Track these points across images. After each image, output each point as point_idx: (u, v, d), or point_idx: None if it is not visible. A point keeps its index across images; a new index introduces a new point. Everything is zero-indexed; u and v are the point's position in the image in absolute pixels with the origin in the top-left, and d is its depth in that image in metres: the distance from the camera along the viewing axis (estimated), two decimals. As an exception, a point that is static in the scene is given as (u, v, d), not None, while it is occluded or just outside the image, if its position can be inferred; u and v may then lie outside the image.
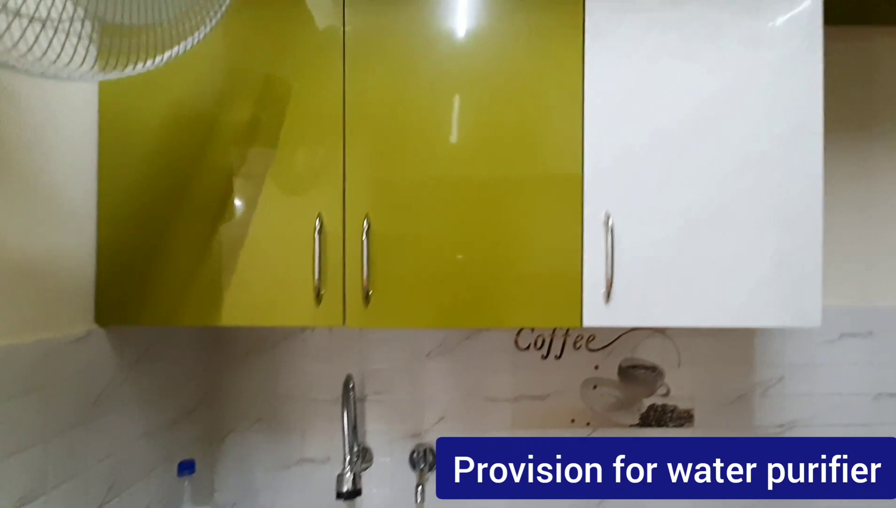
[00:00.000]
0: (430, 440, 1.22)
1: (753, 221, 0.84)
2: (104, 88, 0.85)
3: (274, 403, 1.21)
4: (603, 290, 0.84)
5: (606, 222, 0.84)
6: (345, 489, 0.95)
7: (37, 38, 0.52)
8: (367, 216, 0.83)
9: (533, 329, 1.23)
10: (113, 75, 0.60)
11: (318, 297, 0.84)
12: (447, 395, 1.23)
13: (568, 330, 1.24)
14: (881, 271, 1.25)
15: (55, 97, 0.77)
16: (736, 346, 1.24)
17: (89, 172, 0.84)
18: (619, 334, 1.24)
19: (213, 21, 0.67)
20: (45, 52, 0.53)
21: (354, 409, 1.16)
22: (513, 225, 0.86)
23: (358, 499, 1.01)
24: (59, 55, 0.54)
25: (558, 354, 1.24)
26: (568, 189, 0.85)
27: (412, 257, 0.85)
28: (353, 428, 1.14)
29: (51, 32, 0.56)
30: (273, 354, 1.20)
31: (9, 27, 0.50)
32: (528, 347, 1.24)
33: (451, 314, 0.86)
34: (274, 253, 0.85)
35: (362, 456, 1.19)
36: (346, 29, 0.85)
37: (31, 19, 0.51)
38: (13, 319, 0.69)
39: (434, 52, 0.85)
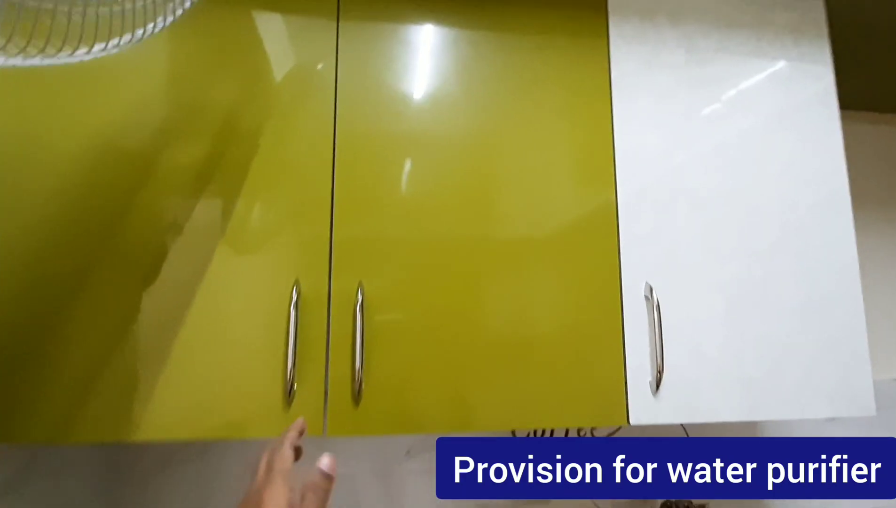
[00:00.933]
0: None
1: (795, 298, 0.75)
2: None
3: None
4: (650, 378, 0.69)
5: (649, 296, 0.70)
6: None
7: None
8: (360, 285, 0.63)
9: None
10: (14, 61, 0.39)
11: (289, 396, 0.60)
12: (434, 505, 0.98)
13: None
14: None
15: None
16: (748, 431, 1.13)
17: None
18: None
19: (168, 20, 0.48)
20: None
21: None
22: (541, 299, 0.70)
23: None
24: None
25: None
26: (604, 257, 0.71)
27: (418, 342, 0.65)
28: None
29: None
30: (201, 463, 0.90)
31: None
32: (526, 437, 1.04)
33: (467, 414, 0.66)
34: (222, 338, 0.62)
35: None
36: (339, 67, 0.70)
37: None
38: None
39: (454, 109, 0.72)
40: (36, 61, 0.40)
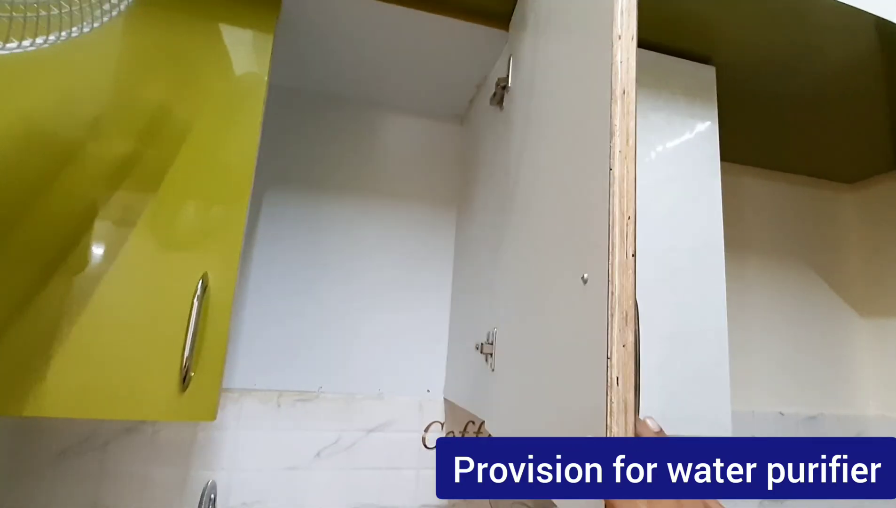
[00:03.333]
0: (308, 569, 0.97)
1: (667, 334, 0.85)
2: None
3: (95, 522, 0.89)
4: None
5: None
6: None
7: None
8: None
9: (443, 425, 1.10)
10: None
11: (185, 381, 0.63)
12: (343, 503, 1.01)
13: (481, 426, 1.12)
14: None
15: None
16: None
17: None
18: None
19: (108, 16, 0.53)
20: None
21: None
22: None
23: None
24: None
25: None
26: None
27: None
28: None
29: None
30: (102, 454, 0.90)
31: None
32: (432, 448, 1.09)
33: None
34: (125, 321, 0.64)
35: None
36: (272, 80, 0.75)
37: None
38: None
39: None
40: None
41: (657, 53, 0.95)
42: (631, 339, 0.44)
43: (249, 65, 0.77)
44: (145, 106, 0.71)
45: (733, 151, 0.97)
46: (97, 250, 0.65)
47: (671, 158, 0.92)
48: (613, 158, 0.45)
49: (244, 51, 0.77)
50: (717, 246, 0.90)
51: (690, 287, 0.87)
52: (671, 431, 0.78)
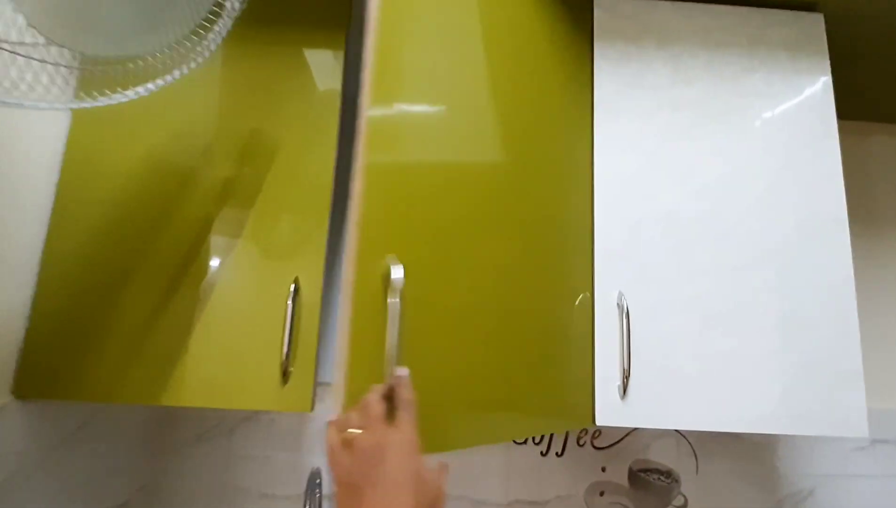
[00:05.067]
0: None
1: (777, 319, 0.75)
2: (75, 126, 0.78)
3: (224, 500, 1.02)
4: (618, 383, 0.72)
5: (620, 304, 0.74)
6: None
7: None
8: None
9: (531, 421, 1.09)
10: (85, 104, 0.53)
11: (285, 376, 0.71)
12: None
13: (571, 423, 1.09)
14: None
15: (19, 128, 0.69)
16: (762, 450, 1.09)
17: (40, 217, 0.74)
18: (629, 430, 1.09)
19: (199, 59, 0.61)
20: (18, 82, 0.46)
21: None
22: (520, 309, 0.75)
23: None
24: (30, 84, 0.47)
25: (560, 451, 1.08)
26: (580, 269, 0.76)
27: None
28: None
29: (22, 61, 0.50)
30: (229, 439, 1.03)
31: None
32: (524, 441, 1.08)
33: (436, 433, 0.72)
34: (236, 322, 0.73)
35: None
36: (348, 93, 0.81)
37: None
38: None
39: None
40: (103, 101, 0.53)
41: (746, 8, 0.85)
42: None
43: (325, 81, 0.83)
44: (242, 131, 0.80)
45: (855, 107, 0.83)
46: (213, 262, 0.75)
47: (776, 123, 0.82)
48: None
49: (320, 68, 0.84)
50: (839, 218, 0.78)
51: (804, 266, 0.77)
52: (791, 431, 0.69)
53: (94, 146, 0.78)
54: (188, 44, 0.59)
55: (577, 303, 0.75)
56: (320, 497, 0.96)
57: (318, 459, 1.03)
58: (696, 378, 0.73)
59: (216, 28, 0.59)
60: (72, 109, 0.78)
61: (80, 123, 0.78)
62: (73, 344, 0.72)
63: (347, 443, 0.42)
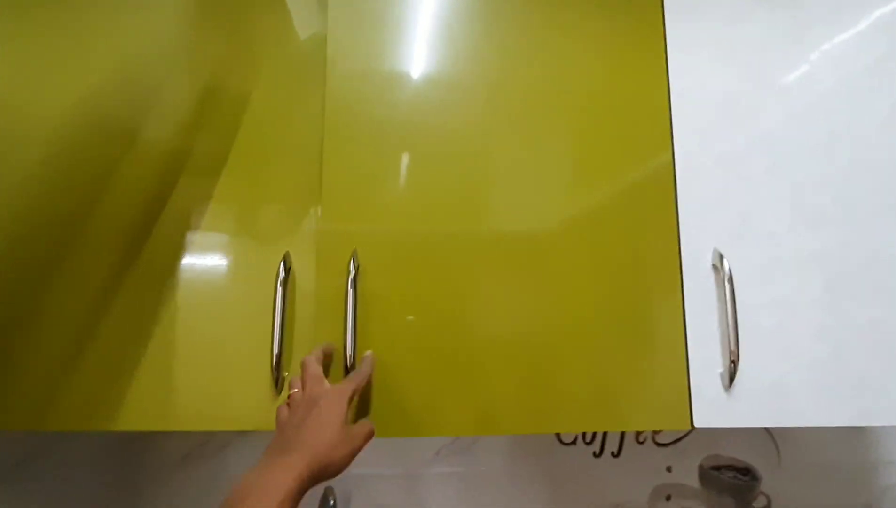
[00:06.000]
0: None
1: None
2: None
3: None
4: (721, 370, 0.54)
5: (719, 266, 0.56)
6: None
7: None
8: (354, 255, 0.54)
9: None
10: None
11: (278, 383, 0.53)
12: (463, 504, 0.88)
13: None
14: None
15: None
16: (853, 437, 0.92)
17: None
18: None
19: None
20: None
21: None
22: (572, 279, 0.57)
23: None
24: None
25: (616, 450, 0.91)
26: (657, 227, 0.58)
27: (422, 332, 0.55)
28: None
29: None
30: (221, 459, 0.86)
31: None
32: (573, 441, 0.91)
33: (486, 416, 0.54)
34: (212, 318, 0.55)
35: None
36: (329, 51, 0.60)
37: None
38: None
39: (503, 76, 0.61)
40: None
41: None
42: None
43: (308, 26, 0.63)
44: (205, 79, 0.61)
45: None
46: (175, 246, 0.57)
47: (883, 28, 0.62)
48: None
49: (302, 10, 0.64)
50: None
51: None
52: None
53: (16, 97, 0.59)
54: None
55: (651, 271, 0.57)
56: (335, 521, 0.80)
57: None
58: (825, 361, 0.55)
59: None
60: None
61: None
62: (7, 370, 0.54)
63: (289, 400, 0.47)
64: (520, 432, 0.57)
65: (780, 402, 0.54)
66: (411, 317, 0.55)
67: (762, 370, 0.54)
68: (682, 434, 0.91)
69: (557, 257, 0.56)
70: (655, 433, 0.92)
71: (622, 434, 0.92)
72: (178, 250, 0.56)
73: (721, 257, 0.55)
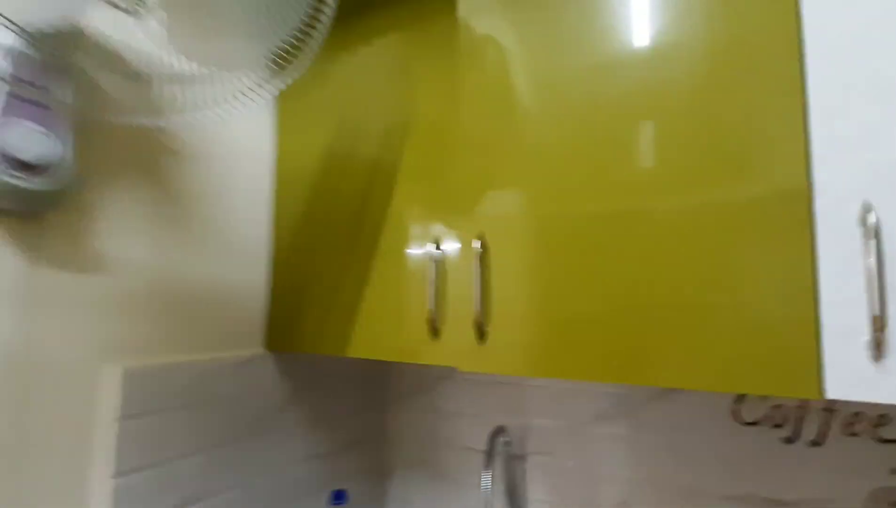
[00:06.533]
0: (608, 529, 0.93)
1: None
2: (281, 136, 0.98)
3: (433, 447, 1.14)
4: (866, 337, 0.48)
5: (865, 220, 0.48)
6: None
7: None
8: (481, 237, 0.70)
9: (766, 397, 0.83)
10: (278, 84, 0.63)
11: (434, 331, 0.73)
12: (629, 473, 0.92)
13: (832, 403, 0.79)
14: None
15: (235, 152, 0.91)
16: None
17: (264, 214, 0.97)
18: (945, 419, 0.72)
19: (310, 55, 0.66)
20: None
21: (511, 467, 0.99)
22: (683, 224, 0.58)
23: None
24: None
25: (815, 438, 0.80)
26: (777, 170, 0.53)
27: (539, 290, 0.66)
28: (511, 490, 0.98)
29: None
30: (431, 396, 1.14)
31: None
32: (755, 422, 0.84)
33: (627, 365, 0.61)
34: (399, 284, 0.80)
35: (521, 529, 0.99)
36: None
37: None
38: (185, 342, 0.81)
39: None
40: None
41: None
42: None
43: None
44: (404, 110, 0.86)
45: None
46: (397, 230, 0.84)
47: None
48: None
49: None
50: None
51: None
52: None
53: (293, 149, 0.97)
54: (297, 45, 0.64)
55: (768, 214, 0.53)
56: (510, 455, 0.98)
57: (506, 418, 1.04)
58: None
59: (318, 28, 0.63)
60: (277, 133, 0.99)
61: (282, 135, 0.98)
62: (300, 308, 0.92)
63: None
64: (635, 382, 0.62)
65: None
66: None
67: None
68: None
69: (683, 212, 0.59)
70: (876, 424, 0.76)
71: (827, 422, 0.79)
72: (386, 231, 0.82)
73: (871, 208, 0.48)
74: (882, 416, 0.76)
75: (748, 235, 0.54)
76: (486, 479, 0.87)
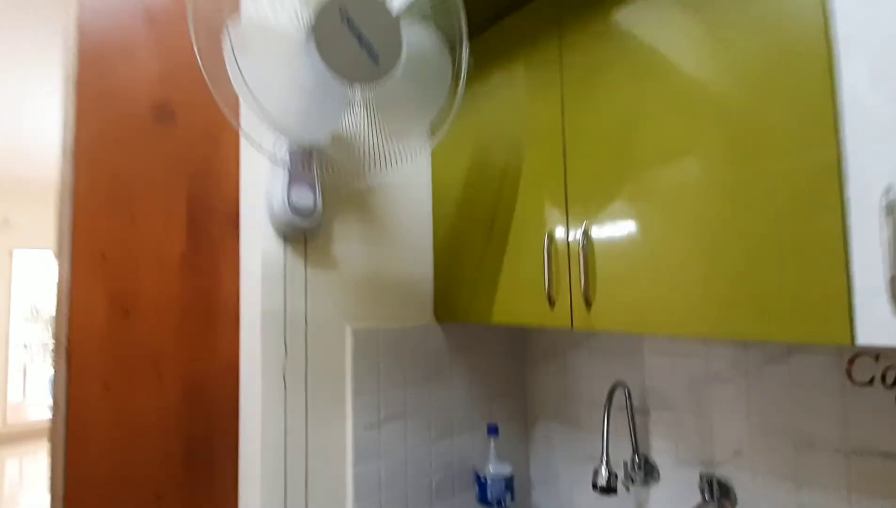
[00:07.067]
0: (722, 472, 1.06)
1: None
2: (434, 164, 1.34)
3: (567, 401, 1.39)
4: (886, 296, 0.59)
5: (885, 200, 0.59)
6: (597, 483, 1.01)
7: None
8: (584, 228, 0.93)
9: (878, 358, 0.88)
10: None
11: (551, 301, 0.99)
12: (744, 427, 1.04)
13: (952, 365, 0.81)
14: None
15: (406, 182, 1.29)
16: None
17: (427, 222, 1.33)
18: None
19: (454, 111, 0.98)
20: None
21: (632, 418, 1.19)
22: (736, 206, 0.74)
23: None
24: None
25: (931, 399, 0.83)
26: (814, 157, 0.66)
27: (623, 262, 0.87)
28: (636, 440, 1.18)
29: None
30: (564, 359, 1.39)
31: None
32: (870, 381, 0.89)
33: (667, 320, 0.81)
34: (524, 266, 1.07)
35: (644, 468, 1.18)
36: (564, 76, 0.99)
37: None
38: (386, 314, 1.22)
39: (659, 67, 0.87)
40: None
41: None
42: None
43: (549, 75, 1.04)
44: (515, 129, 1.14)
45: None
46: (510, 221, 1.13)
47: None
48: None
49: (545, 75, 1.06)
50: None
51: None
52: None
53: (445, 168, 1.31)
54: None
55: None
56: (631, 407, 1.18)
57: (628, 376, 1.23)
58: None
59: (458, 93, 0.94)
60: (431, 164, 1.34)
61: (435, 162, 1.33)
62: (453, 287, 1.26)
63: None
64: (700, 335, 0.79)
65: None
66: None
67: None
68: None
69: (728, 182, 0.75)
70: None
71: None
72: (514, 226, 1.11)
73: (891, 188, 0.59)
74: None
75: (801, 210, 0.68)
76: (606, 424, 1.09)
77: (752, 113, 0.73)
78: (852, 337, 0.62)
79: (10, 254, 5.45)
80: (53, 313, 0.93)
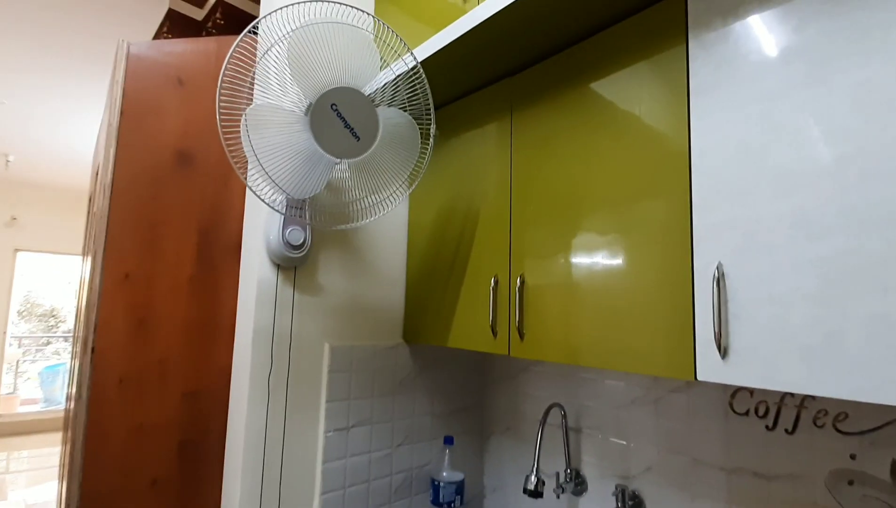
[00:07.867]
0: (635, 485, 1.26)
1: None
2: (411, 206, 1.56)
3: (517, 418, 1.58)
4: (714, 345, 0.80)
5: (716, 276, 0.81)
6: (526, 487, 1.21)
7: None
8: (521, 275, 1.15)
9: (752, 393, 1.09)
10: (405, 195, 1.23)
11: (494, 332, 1.20)
12: (653, 446, 1.24)
13: (803, 400, 1.02)
14: None
15: (385, 222, 1.51)
16: None
17: (402, 255, 1.55)
18: (890, 419, 0.91)
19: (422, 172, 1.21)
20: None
21: (566, 435, 1.38)
22: (625, 274, 0.95)
23: None
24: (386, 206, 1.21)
25: (790, 428, 1.03)
26: (677, 242, 0.88)
27: (548, 305, 1.08)
28: (569, 453, 1.37)
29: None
30: (516, 381, 1.59)
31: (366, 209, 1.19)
32: (746, 412, 1.10)
33: (577, 354, 1.02)
34: (475, 300, 1.28)
35: (575, 479, 1.37)
36: (513, 159, 1.22)
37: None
38: (361, 334, 1.42)
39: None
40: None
41: None
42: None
43: (502, 150, 1.27)
44: (478, 183, 1.36)
45: None
46: (474, 268, 1.34)
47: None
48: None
49: (498, 144, 1.29)
50: None
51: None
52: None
53: (418, 212, 1.53)
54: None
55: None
56: (566, 426, 1.37)
57: (565, 399, 1.43)
58: (815, 343, 0.71)
59: (425, 159, 1.17)
60: (408, 206, 1.56)
61: (412, 206, 1.55)
62: (420, 313, 1.47)
63: None
64: (594, 366, 1.00)
65: (767, 371, 0.75)
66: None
67: (752, 348, 0.76)
68: (874, 426, 0.93)
69: (626, 260, 0.97)
70: (837, 419, 0.97)
71: (798, 414, 1.03)
72: (469, 265, 1.33)
73: (719, 267, 0.81)
74: (841, 414, 0.97)
75: (667, 279, 0.89)
76: (539, 438, 1.29)
77: (634, 204, 0.95)
78: (695, 374, 0.83)
79: (14, 253, 5.64)
80: (81, 317, 1.12)
